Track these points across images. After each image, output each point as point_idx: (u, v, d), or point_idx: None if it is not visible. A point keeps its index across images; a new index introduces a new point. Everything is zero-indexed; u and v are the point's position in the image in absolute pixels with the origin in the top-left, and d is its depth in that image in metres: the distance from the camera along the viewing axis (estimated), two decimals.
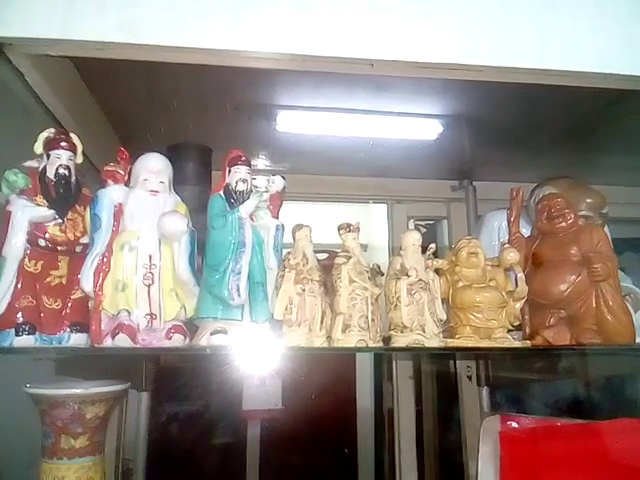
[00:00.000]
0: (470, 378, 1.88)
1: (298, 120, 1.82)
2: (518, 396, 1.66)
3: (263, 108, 1.67)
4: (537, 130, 1.85)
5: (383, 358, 2.16)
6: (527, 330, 1.09)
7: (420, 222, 2.41)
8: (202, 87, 1.44)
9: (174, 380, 2.09)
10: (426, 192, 2.29)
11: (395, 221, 2.30)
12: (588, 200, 1.27)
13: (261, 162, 1.96)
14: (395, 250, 2.24)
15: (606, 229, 1.19)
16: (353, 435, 2.58)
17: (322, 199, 2.29)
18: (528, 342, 1.03)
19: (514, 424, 1.19)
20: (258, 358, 1.10)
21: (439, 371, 2.21)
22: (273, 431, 2.41)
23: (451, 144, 1.97)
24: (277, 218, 1.05)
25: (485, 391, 1.66)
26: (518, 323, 1.04)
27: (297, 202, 2.15)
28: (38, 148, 0.96)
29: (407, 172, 2.19)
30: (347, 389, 2.63)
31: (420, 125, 1.88)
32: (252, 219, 1.01)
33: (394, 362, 2.07)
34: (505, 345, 0.98)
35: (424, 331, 0.96)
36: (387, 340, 0.99)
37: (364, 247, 1.05)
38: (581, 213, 1.23)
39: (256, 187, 1.04)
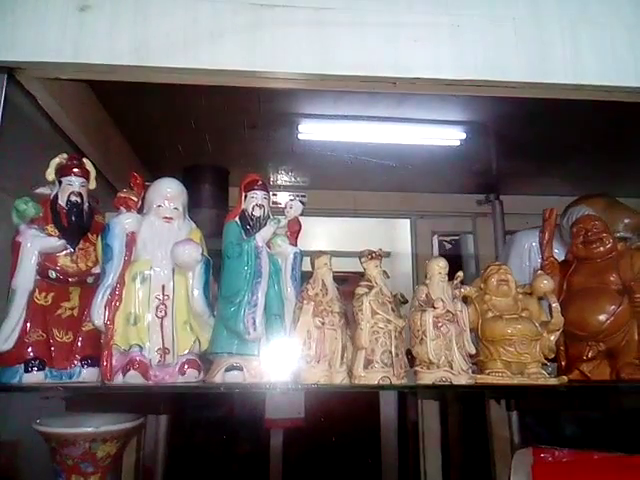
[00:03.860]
0: (499, 402, 1.80)
1: (318, 134, 1.78)
2: (550, 423, 1.58)
3: (283, 124, 1.63)
4: (567, 141, 1.77)
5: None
6: (563, 363, 1.02)
7: (445, 237, 2.35)
8: (219, 105, 1.40)
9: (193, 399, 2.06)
10: (451, 207, 2.22)
11: (419, 236, 2.25)
12: (626, 220, 1.21)
13: (281, 178, 1.92)
14: (419, 259, 2.20)
15: None
16: (376, 444, 2.52)
17: (343, 214, 2.25)
18: (565, 377, 0.95)
19: (548, 457, 1.12)
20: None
21: (466, 394, 2.13)
22: (296, 440, 2.38)
23: (476, 157, 1.91)
24: (295, 245, 1.00)
25: (515, 416, 1.59)
26: (553, 356, 0.97)
27: (318, 217, 2.11)
28: (50, 174, 0.94)
29: (431, 186, 2.13)
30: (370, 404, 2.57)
31: (444, 137, 1.82)
32: (269, 247, 0.97)
33: (419, 399, 2.01)
34: (539, 382, 0.91)
35: (452, 367, 0.89)
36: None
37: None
38: (618, 234, 1.16)
39: (275, 203, 1.00)
